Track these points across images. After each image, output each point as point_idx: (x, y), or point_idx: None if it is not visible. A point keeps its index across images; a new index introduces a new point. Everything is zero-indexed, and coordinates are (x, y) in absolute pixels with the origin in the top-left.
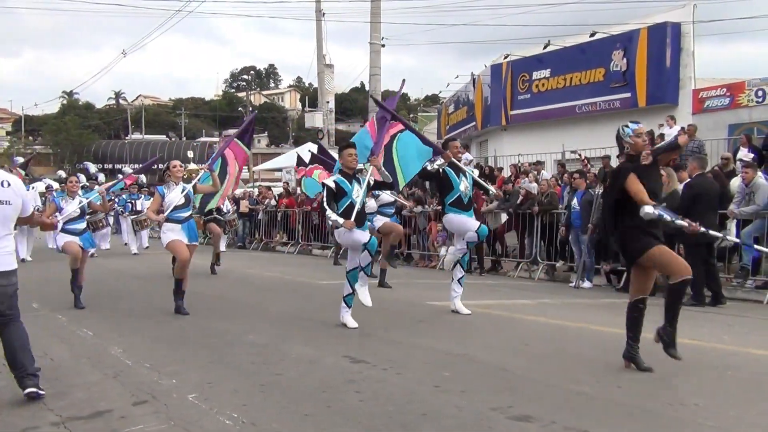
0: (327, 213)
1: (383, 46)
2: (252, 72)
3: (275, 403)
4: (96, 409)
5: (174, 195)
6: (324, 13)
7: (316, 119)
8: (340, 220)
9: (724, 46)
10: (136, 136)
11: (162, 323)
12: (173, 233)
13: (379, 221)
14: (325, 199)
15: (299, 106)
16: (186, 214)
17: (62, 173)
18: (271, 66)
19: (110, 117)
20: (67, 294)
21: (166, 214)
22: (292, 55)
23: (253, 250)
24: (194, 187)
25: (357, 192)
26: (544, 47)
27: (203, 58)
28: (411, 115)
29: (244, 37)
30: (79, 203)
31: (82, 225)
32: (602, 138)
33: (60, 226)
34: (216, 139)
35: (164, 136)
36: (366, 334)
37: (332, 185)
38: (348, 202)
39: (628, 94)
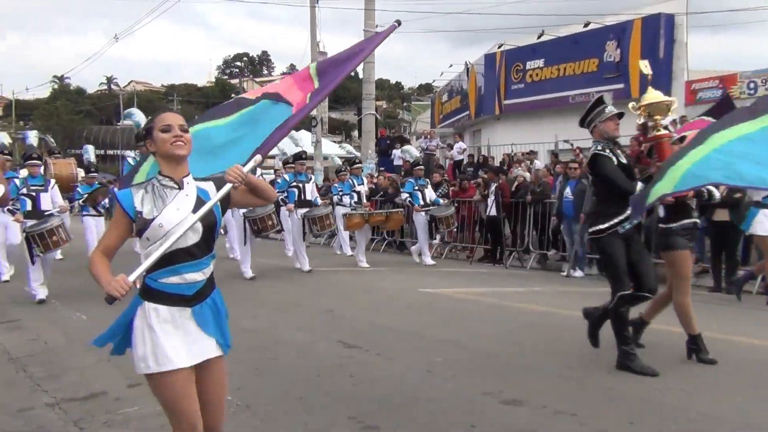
0: None
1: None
2: (245, 59)
3: (269, 387)
4: (91, 391)
5: None
6: (318, 0)
7: None
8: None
9: (716, 37)
10: (128, 122)
11: None
12: None
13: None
14: None
15: None
16: None
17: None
18: (264, 53)
19: (102, 102)
20: (59, 279)
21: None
22: (281, 41)
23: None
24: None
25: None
26: (538, 37)
27: (190, 44)
28: (404, 104)
29: (231, 23)
30: None
31: None
32: None
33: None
34: None
35: None
36: (358, 320)
37: None
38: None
39: (622, 85)
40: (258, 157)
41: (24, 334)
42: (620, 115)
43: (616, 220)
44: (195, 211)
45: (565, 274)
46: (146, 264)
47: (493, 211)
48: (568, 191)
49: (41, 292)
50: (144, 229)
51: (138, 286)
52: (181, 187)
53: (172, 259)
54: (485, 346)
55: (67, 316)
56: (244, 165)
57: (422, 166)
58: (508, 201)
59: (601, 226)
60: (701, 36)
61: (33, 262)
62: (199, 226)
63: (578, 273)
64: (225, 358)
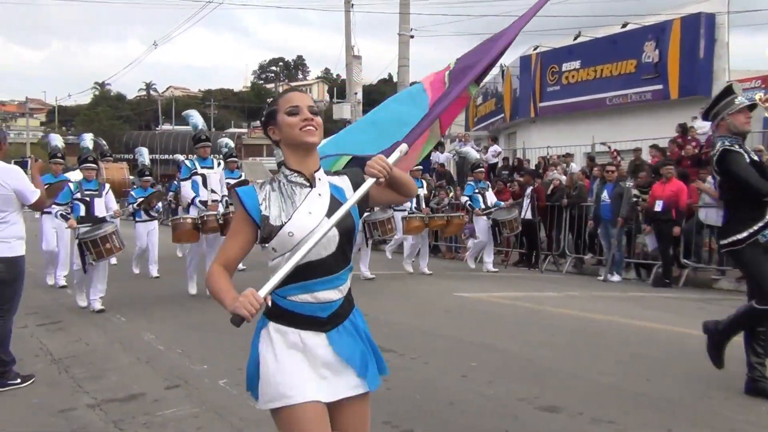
0: None
1: (412, 37)
2: (281, 63)
3: None
4: (130, 392)
5: None
6: (353, 4)
7: (344, 110)
8: None
9: (755, 37)
10: (166, 126)
11: (192, 310)
12: None
13: None
14: None
15: (327, 97)
16: None
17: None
18: (300, 57)
19: (141, 108)
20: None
21: None
22: (316, 46)
23: None
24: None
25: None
26: (575, 38)
27: (227, 49)
28: None
29: (266, 29)
30: None
31: None
32: (633, 130)
33: None
34: (245, 131)
35: None
36: (394, 323)
37: None
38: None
39: (660, 86)
40: (404, 147)
41: (67, 336)
42: (752, 107)
43: (756, 227)
44: (330, 214)
45: (602, 278)
46: (278, 277)
47: (528, 215)
48: (605, 194)
49: (83, 300)
50: (269, 237)
51: (269, 303)
52: (312, 185)
53: (303, 273)
54: (521, 350)
55: (107, 318)
56: (387, 156)
57: (482, 169)
58: (543, 204)
59: (739, 236)
60: (740, 35)
61: (85, 271)
62: (335, 232)
63: (615, 277)
64: (368, 393)
